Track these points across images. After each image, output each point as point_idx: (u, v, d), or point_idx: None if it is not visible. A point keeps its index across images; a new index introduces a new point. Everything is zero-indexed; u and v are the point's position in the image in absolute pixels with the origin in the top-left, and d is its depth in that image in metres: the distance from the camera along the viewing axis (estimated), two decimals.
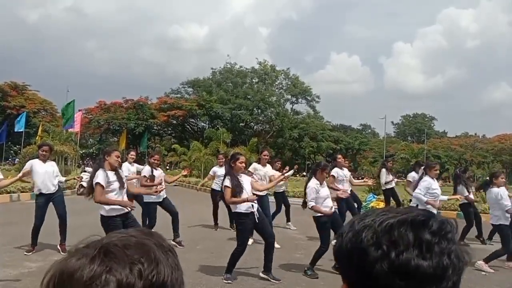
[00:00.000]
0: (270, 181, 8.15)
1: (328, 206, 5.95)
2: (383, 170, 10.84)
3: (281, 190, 9.50)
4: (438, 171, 6.90)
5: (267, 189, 7.28)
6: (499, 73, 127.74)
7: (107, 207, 5.18)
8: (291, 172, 8.78)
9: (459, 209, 9.05)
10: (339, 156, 9.03)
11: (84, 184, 19.92)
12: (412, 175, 9.35)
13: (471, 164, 54.51)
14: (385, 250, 0.69)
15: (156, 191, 6.37)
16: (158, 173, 7.71)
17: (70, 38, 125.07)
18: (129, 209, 5.34)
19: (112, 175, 5.27)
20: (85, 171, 18.78)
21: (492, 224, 6.87)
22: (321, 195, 5.91)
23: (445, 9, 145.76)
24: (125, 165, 8.29)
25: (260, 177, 8.07)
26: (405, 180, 10.87)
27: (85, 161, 38.80)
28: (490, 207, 6.95)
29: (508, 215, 6.46)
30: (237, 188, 5.40)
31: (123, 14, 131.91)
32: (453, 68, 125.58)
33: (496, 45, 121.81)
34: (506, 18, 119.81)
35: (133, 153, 9.37)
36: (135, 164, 9.09)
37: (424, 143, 62.30)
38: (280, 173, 8.93)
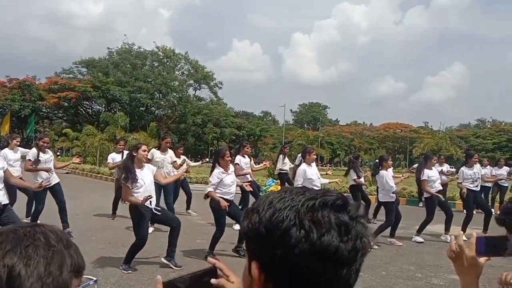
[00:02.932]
0: (174, 167, 8.03)
1: (231, 193, 5.99)
2: (280, 156, 11.41)
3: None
4: (314, 157, 7.32)
5: (169, 183, 7.03)
6: (385, 67, 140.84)
7: None
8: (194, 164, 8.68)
9: (348, 191, 9.76)
10: (247, 145, 9.16)
11: None
12: (298, 158, 9.83)
13: (359, 150, 59.46)
14: (307, 231, 0.69)
15: (40, 186, 5.73)
16: (47, 156, 6.99)
17: None
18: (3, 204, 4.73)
19: None
20: None
21: (379, 201, 7.84)
22: (225, 182, 5.93)
23: (340, 3, 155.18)
24: (3, 152, 7.40)
25: (158, 164, 7.80)
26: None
27: None
28: (379, 186, 7.76)
29: (393, 194, 7.42)
30: (133, 183, 5.14)
31: None
32: (345, 61, 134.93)
33: (384, 41, 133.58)
34: (392, 17, 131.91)
35: (18, 138, 8.37)
36: (20, 148, 8.20)
37: (319, 130, 66.31)
38: (181, 160, 8.84)
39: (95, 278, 0.82)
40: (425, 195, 7.70)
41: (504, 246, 1.08)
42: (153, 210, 5.27)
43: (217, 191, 5.90)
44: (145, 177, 5.30)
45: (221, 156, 6.02)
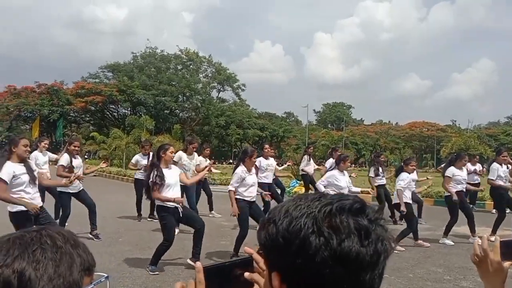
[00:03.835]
0: (196, 171, 8.08)
1: (252, 194, 5.97)
2: (305, 156, 11.39)
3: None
4: (348, 165, 7.22)
5: (193, 183, 7.11)
6: (410, 65, 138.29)
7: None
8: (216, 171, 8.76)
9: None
10: (266, 146, 9.15)
11: None
12: (331, 162, 9.79)
13: (385, 150, 58.50)
14: (326, 237, 0.68)
15: (70, 182, 5.80)
16: (78, 162, 7.08)
17: None
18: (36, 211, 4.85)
19: (20, 168, 4.74)
20: None
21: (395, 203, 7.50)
22: (247, 182, 5.92)
23: (362, 1, 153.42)
24: (34, 154, 7.61)
25: (184, 167, 7.92)
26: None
27: None
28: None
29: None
30: (160, 182, 5.22)
31: None
32: (368, 60, 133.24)
33: (408, 38, 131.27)
34: (417, 13, 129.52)
35: (46, 141, 8.67)
36: (48, 153, 8.46)
37: (343, 131, 65.64)
38: (207, 162, 8.91)
39: (106, 275, 0.84)
40: (445, 193, 7.50)
41: None
42: (179, 210, 5.34)
43: (238, 191, 5.90)
44: (172, 177, 5.38)
45: (248, 156, 5.98)
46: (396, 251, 6.62)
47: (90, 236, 6.98)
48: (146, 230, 7.85)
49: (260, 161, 8.37)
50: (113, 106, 54.58)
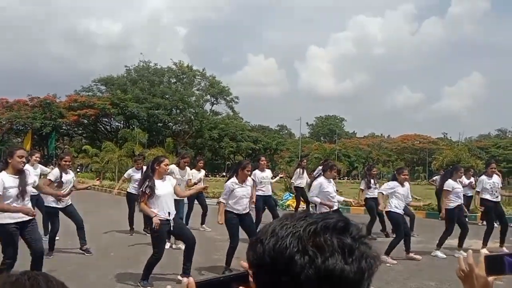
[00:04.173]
0: (188, 185, 8.11)
1: (241, 207, 5.94)
2: (298, 170, 11.44)
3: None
4: (335, 174, 7.23)
5: (187, 196, 7.11)
6: (401, 78, 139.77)
7: (1, 214, 4.63)
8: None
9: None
10: (262, 158, 9.15)
11: None
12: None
13: (377, 162, 58.76)
14: (311, 256, 0.70)
15: (66, 195, 5.97)
16: (69, 177, 7.00)
17: None
18: (31, 216, 4.84)
19: (12, 180, 4.69)
20: None
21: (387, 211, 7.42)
22: (236, 194, 5.92)
23: (356, 16, 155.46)
24: (26, 168, 7.56)
25: (177, 181, 7.91)
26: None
27: None
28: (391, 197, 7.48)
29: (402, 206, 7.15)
30: (149, 193, 5.21)
31: (27, 5, 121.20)
32: (361, 73, 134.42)
33: (400, 52, 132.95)
34: (408, 28, 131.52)
35: (37, 154, 8.61)
36: (40, 166, 8.41)
37: (335, 143, 65.86)
38: (201, 174, 8.95)
39: None
40: (447, 206, 7.48)
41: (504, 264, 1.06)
42: (170, 222, 5.31)
43: (228, 203, 5.91)
44: (164, 188, 5.36)
45: (241, 167, 6.01)
46: (388, 264, 6.63)
47: (81, 251, 6.92)
48: (138, 244, 7.79)
49: (255, 173, 8.35)
50: (106, 119, 54.39)
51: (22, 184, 4.75)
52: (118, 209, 10.95)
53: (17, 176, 4.74)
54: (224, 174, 55.80)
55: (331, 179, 6.99)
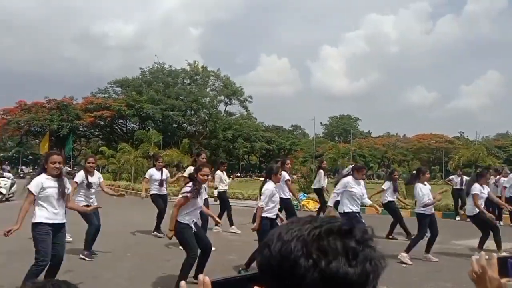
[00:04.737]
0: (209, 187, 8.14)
1: (274, 211, 5.86)
2: (320, 171, 11.46)
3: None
4: (363, 177, 7.17)
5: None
6: (416, 77, 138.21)
7: (37, 213, 4.72)
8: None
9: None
10: (288, 161, 9.08)
11: (3, 191, 17.86)
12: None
13: (393, 162, 58.14)
14: (315, 259, 0.71)
15: (91, 210, 6.07)
16: (95, 178, 7.03)
17: None
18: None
19: (50, 182, 4.78)
20: (3, 177, 17.33)
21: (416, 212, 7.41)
22: (274, 199, 5.83)
23: (368, 14, 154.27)
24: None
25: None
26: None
27: (3, 166, 35.64)
28: (416, 197, 7.51)
29: (428, 207, 7.13)
30: (193, 196, 5.21)
31: (42, 9, 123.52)
32: (375, 72, 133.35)
33: (414, 51, 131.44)
34: (423, 26, 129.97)
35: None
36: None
37: (350, 143, 65.41)
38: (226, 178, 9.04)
39: None
40: (473, 211, 7.40)
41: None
42: (193, 226, 5.29)
43: (266, 208, 5.78)
44: (202, 198, 5.42)
45: (274, 173, 5.95)
46: (404, 265, 6.59)
47: (82, 256, 6.80)
48: (154, 245, 7.89)
49: (284, 175, 8.14)
50: (122, 121, 55.01)
51: (61, 186, 4.85)
52: (133, 209, 11.10)
53: (56, 179, 4.85)
54: (238, 174, 55.92)
55: (361, 181, 6.98)
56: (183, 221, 5.26)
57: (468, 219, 7.96)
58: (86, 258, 6.54)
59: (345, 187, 6.80)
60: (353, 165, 7.61)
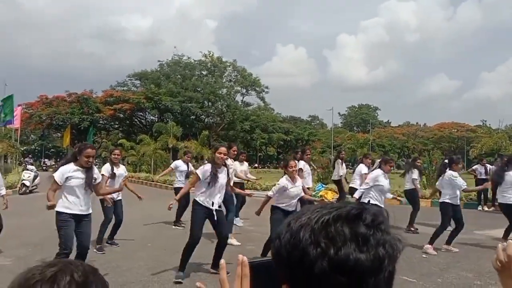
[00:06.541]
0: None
1: (292, 207, 5.80)
2: (338, 160, 11.41)
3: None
4: (391, 168, 7.07)
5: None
6: (437, 65, 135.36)
7: (59, 202, 4.81)
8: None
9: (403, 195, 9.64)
10: (308, 151, 9.04)
11: (27, 183, 18.34)
12: (361, 167, 9.60)
13: (413, 152, 57.30)
14: (323, 247, 0.68)
15: (121, 189, 6.34)
16: (121, 171, 7.22)
17: (3, 31, 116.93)
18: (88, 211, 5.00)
19: (77, 172, 4.85)
20: (27, 169, 17.79)
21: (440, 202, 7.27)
22: (289, 194, 5.78)
23: (386, 1, 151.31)
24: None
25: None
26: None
27: (26, 159, 36.52)
28: (443, 187, 7.31)
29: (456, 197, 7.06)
30: (213, 181, 5.29)
31: (59, 5, 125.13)
32: (394, 61, 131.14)
33: (434, 38, 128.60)
34: (443, 13, 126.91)
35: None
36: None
37: (369, 133, 64.70)
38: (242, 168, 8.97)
39: None
40: (501, 200, 7.26)
41: None
42: (213, 211, 5.35)
43: (279, 202, 5.78)
44: (220, 179, 5.42)
45: (283, 165, 5.95)
46: (424, 255, 6.54)
47: (107, 244, 7.05)
48: (175, 235, 8.00)
49: (304, 165, 8.19)
50: (141, 113, 55.67)
51: (89, 178, 4.92)
52: (157, 201, 11.24)
53: (84, 170, 4.91)
54: (256, 165, 56.07)
55: (387, 174, 6.93)
56: (197, 200, 5.36)
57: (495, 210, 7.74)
58: (98, 252, 6.56)
59: (375, 181, 6.74)
60: (381, 158, 7.59)
